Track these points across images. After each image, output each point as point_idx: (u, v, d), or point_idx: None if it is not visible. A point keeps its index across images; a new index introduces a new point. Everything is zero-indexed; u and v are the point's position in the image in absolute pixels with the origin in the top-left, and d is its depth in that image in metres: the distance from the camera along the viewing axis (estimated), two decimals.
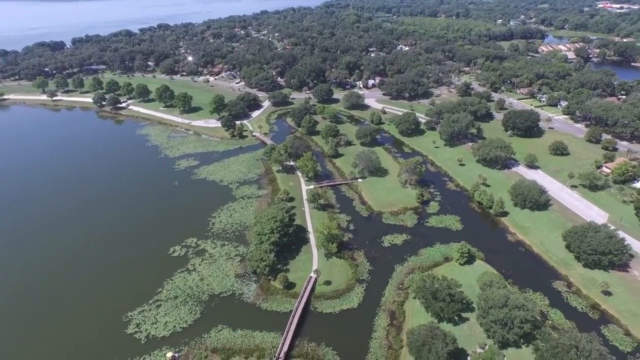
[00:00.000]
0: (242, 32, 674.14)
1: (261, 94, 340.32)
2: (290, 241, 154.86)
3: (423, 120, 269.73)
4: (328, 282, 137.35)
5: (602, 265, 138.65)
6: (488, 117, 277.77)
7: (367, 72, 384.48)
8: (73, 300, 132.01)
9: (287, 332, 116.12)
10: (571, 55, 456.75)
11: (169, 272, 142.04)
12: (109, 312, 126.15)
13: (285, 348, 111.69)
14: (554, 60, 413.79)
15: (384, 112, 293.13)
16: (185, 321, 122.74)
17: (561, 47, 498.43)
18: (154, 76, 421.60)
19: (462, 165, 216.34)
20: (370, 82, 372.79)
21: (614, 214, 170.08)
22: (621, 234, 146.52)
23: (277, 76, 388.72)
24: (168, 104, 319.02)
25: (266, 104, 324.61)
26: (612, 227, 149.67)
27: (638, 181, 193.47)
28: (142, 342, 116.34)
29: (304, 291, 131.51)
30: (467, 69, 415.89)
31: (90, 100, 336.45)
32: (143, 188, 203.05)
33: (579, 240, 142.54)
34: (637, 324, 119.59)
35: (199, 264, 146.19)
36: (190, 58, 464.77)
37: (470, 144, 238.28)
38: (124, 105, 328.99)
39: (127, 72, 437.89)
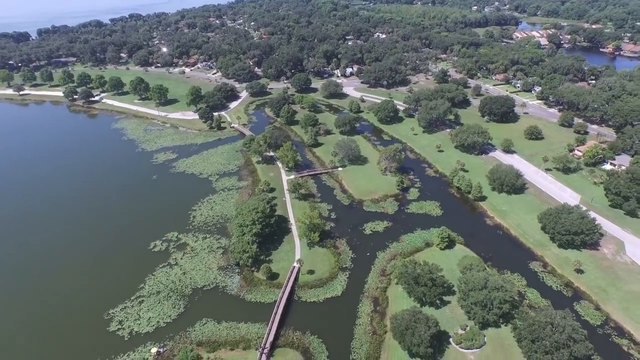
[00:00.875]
0: (217, 21, 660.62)
1: (238, 85, 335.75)
2: (272, 232, 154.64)
3: (401, 108, 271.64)
4: (311, 272, 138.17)
5: (575, 245, 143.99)
6: (465, 103, 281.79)
7: (345, 60, 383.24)
8: (52, 299, 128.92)
9: (272, 322, 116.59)
10: (544, 41, 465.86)
11: (150, 268, 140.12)
12: (89, 311, 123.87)
13: (271, 338, 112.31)
14: (528, 47, 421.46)
15: (363, 101, 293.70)
16: (169, 316, 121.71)
17: (534, 33, 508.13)
18: (128, 68, 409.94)
19: (441, 151, 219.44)
20: (348, 70, 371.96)
21: (585, 196, 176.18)
22: (592, 214, 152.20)
23: (254, 66, 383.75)
24: (143, 96, 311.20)
25: (244, 94, 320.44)
26: (584, 208, 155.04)
27: (607, 163, 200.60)
28: (126, 339, 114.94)
29: (288, 281, 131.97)
30: (443, 56, 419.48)
31: (60, 94, 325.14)
32: (120, 183, 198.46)
33: (554, 222, 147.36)
34: (606, 299, 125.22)
35: (181, 258, 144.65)
36: (164, 49, 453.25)
37: (448, 130, 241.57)
38: (97, 98, 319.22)
39: (98, 65, 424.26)
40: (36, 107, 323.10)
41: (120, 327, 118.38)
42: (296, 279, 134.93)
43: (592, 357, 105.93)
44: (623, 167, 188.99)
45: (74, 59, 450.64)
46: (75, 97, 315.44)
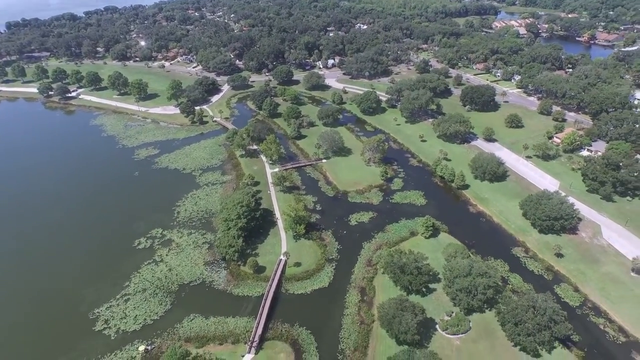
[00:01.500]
0: (196, 14, 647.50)
1: (220, 78, 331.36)
2: (257, 225, 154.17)
3: (384, 99, 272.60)
4: (298, 264, 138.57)
5: (555, 230, 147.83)
6: (447, 93, 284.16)
7: (327, 52, 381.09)
8: (34, 301, 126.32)
9: (260, 315, 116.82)
10: (522, 30, 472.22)
11: (135, 265, 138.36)
12: (74, 311, 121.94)
13: (259, 331, 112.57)
14: (507, 36, 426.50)
15: (345, 92, 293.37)
16: (156, 313, 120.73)
17: (513, 22, 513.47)
18: (105, 63, 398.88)
19: (424, 141, 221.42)
20: (330, 62, 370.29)
21: (564, 182, 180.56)
22: (571, 199, 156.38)
23: (236, 59, 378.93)
24: (122, 91, 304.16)
25: (225, 87, 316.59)
26: (563, 194, 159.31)
27: (584, 149, 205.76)
28: (112, 337, 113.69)
29: (275, 274, 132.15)
30: (424, 46, 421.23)
31: (35, 90, 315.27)
32: (101, 180, 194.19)
33: (534, 208, 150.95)
34: (584, 280, 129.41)
35: (166, 255, 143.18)
36: (142, 43, 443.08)
37: (430, 120, 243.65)
38: (73, 94, 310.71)
39: (74, 59, 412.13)
40: (9, 104, 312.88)
41: (106, 326, 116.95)
42: (283, 271, 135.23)
43: (571, 337, 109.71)
44: (599, 153, 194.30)
45: (48, 53, 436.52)
46: (50, 93, 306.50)
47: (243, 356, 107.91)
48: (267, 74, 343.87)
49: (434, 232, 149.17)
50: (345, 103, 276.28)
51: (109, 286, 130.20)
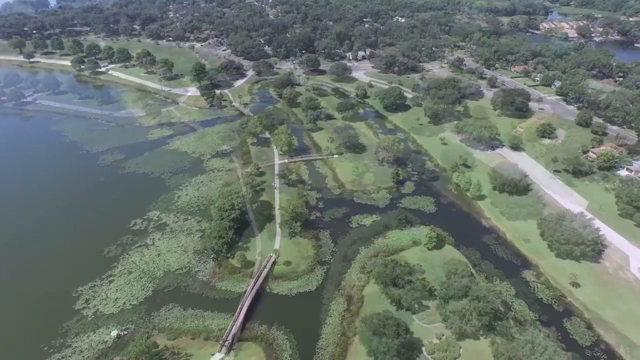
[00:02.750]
0: None
1: (247, 63, 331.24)
2: (245, 224, 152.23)
3: (409, 95, 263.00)
4: (288, 263, 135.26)
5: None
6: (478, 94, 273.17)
7: (358, 43, 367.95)
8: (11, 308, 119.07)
9: (239, 313, 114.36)
10: (572, 33, 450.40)
11: (112, 270, 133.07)
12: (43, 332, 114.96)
13: (234, 330, 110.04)
14: (554, 39, 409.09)
15: (371, 86, 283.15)
16: (131, 321, 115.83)
17: (563, 24, 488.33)
18: (139, 40, 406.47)
19: (444, 144, 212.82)
20: (360, 53, 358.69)
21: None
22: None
23: (265, 44, 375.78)
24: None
25: (250, 73, 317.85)
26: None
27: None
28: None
29: (260, 272, 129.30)
30: (462, 43, 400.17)
31: (69, 63, 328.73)
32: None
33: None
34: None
35: (142, 257, 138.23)
36: (178, 23, 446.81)
37: (455, 122, 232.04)
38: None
39: (111, 36, 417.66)
40: None
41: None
42: (270, 269, 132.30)
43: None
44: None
45: (88, 28, 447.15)
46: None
47: (226, 354, 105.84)
48: (294, 61, 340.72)
49: (438, 244, 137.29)
50: (369, 97, 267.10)
51: (73, 301, 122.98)
